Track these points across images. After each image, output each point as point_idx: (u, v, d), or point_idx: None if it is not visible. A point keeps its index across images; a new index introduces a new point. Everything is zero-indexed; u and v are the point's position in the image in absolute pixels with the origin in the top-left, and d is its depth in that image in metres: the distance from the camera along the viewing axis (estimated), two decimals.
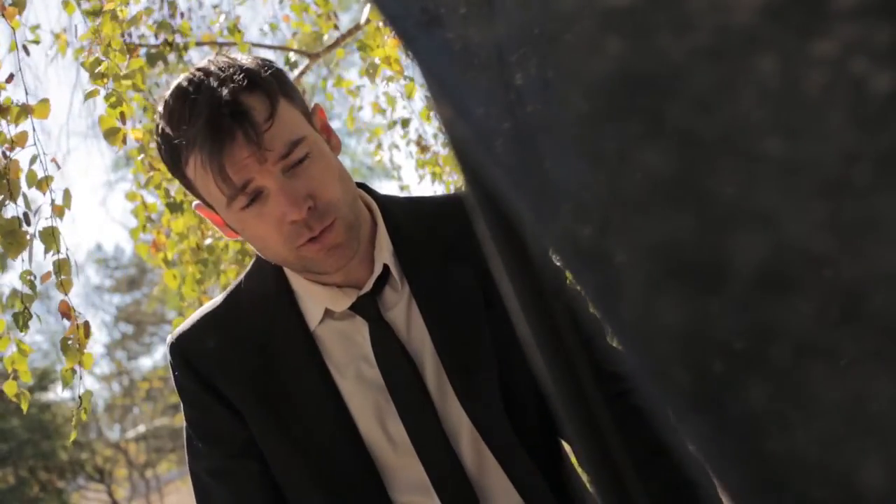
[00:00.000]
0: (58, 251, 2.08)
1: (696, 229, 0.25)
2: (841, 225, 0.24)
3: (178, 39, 3.35)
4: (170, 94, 1.03)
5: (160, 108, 1.04)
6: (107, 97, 2.29)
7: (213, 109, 0.96)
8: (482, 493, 1.10)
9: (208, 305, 1.19)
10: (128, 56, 2.61)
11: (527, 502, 1.10)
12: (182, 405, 1.14)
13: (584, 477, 1.18)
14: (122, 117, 2.31)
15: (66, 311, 2.13)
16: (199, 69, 1.03)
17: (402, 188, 4.45)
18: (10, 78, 2.11)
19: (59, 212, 2.11)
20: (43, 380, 16.80)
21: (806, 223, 0.24)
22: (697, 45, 0.26)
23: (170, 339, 1.17)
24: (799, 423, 0.24)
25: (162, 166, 3.09)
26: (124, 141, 2.34)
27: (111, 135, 2.27)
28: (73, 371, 2.21)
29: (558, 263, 0.31)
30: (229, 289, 1.20)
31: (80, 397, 2.26)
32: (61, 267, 2.11)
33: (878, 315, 0.23)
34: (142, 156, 2.88)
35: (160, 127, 1.03)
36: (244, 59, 1.05)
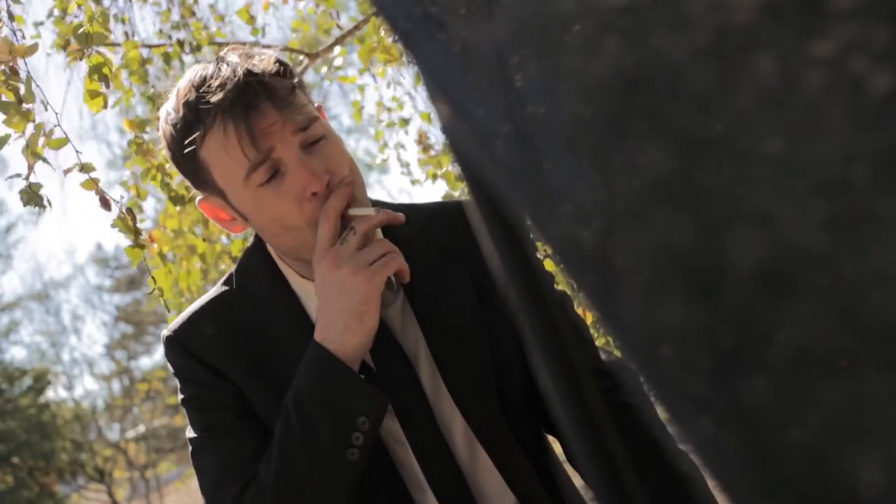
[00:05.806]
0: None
1: (696, 231, 0.25)
2: (840, 225, 0.24)
3: (191, 39, 3.37)
4: (188, 77, 1.06)
5: (174, 93, 1.07)
6: (90, 58, 2.26)
7: (241, 79, 1.02)
8: (476, 489, 1.11)
9: (201, 299, 1.19)
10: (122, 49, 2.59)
11: (519, 499, 1.11)
12: (181, 389, 1.12)
13: (574, 472, 1.18)
14: (106, 81, 2.29)
15: (105, 201, 2.12)
16: (216, 58, 1.08)
17: (413, 183, 4.46)
18: None
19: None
20: (41, 380, 16.74)
21: (805, 223, 0.24)
22: (697, 45, 0.26)
23: (165, 332, 1.16)
24: (799, 424, 0.24)
25: (163, 157, 3.06)
26: (105, 105, 2.33)
27: (93, 97, 2.26)
28: (141, 246, 2.24)
29: (557, 265, 0.31)
30: (219, 284, 1.20)
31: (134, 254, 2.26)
32: (85, 167, 2.09)
33: (877, 315, 0.23)
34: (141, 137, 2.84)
35: (173, 107, 1.06)
36: (260, 52, 1.10)
